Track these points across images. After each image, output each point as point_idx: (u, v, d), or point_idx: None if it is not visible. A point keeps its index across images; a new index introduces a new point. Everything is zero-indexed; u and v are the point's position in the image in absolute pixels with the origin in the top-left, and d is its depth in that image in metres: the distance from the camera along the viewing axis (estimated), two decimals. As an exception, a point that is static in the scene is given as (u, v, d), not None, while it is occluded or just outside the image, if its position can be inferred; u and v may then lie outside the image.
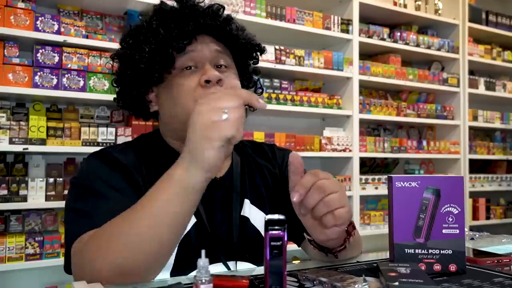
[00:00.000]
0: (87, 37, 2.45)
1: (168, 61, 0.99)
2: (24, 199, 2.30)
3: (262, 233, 1.01)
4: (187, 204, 0.79)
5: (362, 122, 3.46)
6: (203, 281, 0.62)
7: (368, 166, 3.82)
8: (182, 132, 0.99)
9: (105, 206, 0.88)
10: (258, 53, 1.13)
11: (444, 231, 0.85)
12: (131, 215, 0.80)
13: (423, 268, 0.83)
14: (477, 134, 4.40)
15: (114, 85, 1.09)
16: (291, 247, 1.14)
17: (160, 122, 1.09)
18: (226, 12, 1.07)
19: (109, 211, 0.87)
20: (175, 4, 1.03)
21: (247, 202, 1.04)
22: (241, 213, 1.03)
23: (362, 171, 3.60)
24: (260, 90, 1.18)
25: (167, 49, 0.97)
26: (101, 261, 0.77)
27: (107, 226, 0.81)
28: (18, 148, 2.27)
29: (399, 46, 3.59)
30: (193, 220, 0.97)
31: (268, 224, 0.67)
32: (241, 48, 1.08)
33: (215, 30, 1.03)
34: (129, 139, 2.46)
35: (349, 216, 0.81)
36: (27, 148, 2.28)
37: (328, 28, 3.22)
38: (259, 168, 1.12)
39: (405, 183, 0.85)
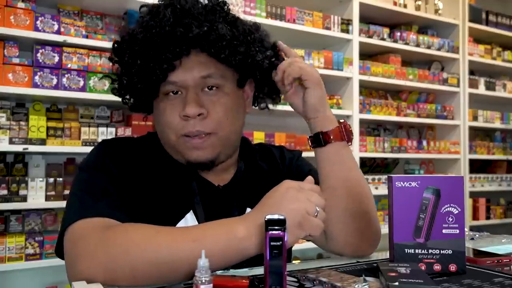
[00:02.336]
0: (87, 37, 2.45)
1: (152, 90, 0.95)
2: (24, 199, 2.30)
3: None
4: (228, 261, 0.79)
5: (362, 122, 3.46)
6: (203, 281, 0.62)
7: (368, 166, 3.82)
8: (169, 152, 1.01)
9: (105, 195, 0.88)
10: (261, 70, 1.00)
11: (444, 231, 0.85)
12: (173, 237, 0.79)
13: (423, 268, 0.83)
14: (477, 134, 4.40)
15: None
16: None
17: None
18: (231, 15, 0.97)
19: (109, 200, 0.87)
20: (168, 12, 0.91)
21: (248, 211, 1.03)
22: None
23: (362, 171, 3.59)
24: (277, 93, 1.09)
25: (148, 80, 0.93)
26: (112, 262, 0.77)
27: (136, 233, 0.80)
28: (18, 148, 2.27)
29: (399, 46, 3.59)
30: None
31: (268, 224, 0.67)
32: (238, 64, 0.95)
33: (205, 49, 0.92)
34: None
35: (313, 75, 0.98)
36: (27, 148, 2.28)
37: (328, 28, 3.22)
38: (265, 175, 1.09)
39: (405, 183, 0.85)
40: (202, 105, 0.93)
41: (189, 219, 0.96)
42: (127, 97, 1.03)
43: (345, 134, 0.99)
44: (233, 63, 0.94)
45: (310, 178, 0.85)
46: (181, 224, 0.95)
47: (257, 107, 1.11)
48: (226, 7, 0.97)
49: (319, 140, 1.00)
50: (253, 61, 0.96)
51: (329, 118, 1.00)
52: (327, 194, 0.91)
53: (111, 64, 1.02)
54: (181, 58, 0.92)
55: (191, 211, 0.97)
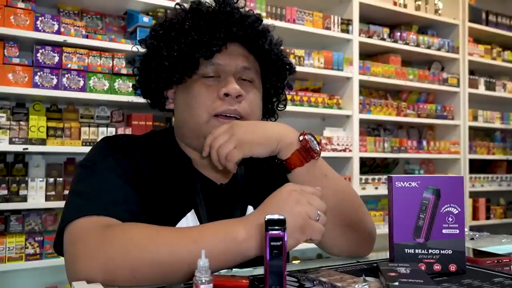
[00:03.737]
0: (87, 37, 2.46)
1: (192, 66, 0.97)
2: (24, 199, 2.30)
3: None
4: (228, 263, 0.79)
5: (362, 122, 3.46)
6: (203, 281, 0.62)
7: (368, 166, 3.82)
8: (190, 140, 1.01)
9: (107, 193, 0.88)
10: (287, 73, 1.09)
11: (444, 231, 0.85)
12: (173, 237, 0.79)
13: (423, 268, 0.83)
14: (477, 134, 4.40)
15: (135, 72, 1.07)
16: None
17: (174, 120, 1.08)
18: (264, 23, 1.03)
19: (110, 198, 0.87)
20: (212, 4, 1.00)
21: (250, 208, 1.03)
22: None
23: (362, 171, 3.60)
24: (284, 103, 1.15)
25: (194, 54, 0.95)
26: (111, 262, 0.76)
27: (136, 233, 0.79)
28: (18, 148, 2.27)
29: (399, 46, 3.59)
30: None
31: (268, 224, 0.67)
32: (270, 64, 1.04)
33: (247, 41, 1.00)
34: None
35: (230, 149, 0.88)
36: (27, 148, 2.28)
37: (328, 28, 3.22)
38: (265, 173, 1.10)
39: (405, 183, 0.85)
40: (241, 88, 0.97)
41: (190, 218, 0.96)
42: (151, 78, 1.02)
43: (305, 156, 0.92)
44: (270, 59, 1.02)
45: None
46: (182, 223, 0.95)
47: None
48: (261, 19, 1.05)
49: (284, 169, 0.93)
50: (283, 64, 1.04)
51: (285, 144, 0.91)
52: None
53: (138, 46, 1.04)
54: (227, 44, 0.97)
55: (193, 209, 0.97)
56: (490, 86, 4.17)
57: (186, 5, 1.02)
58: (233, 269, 0.88)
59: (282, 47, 1.08)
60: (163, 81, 1.01)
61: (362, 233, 1.01)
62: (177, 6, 1.03)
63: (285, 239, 0.67)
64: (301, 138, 0.93)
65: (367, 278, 0.77)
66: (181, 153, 1.03)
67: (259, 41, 0.99)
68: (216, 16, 0.97)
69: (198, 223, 0.96)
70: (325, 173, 0.97)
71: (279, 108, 1.15)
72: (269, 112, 1.13)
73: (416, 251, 0.85)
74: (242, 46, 1.00)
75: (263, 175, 1.09)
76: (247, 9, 1.03)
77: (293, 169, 0.93)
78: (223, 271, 0.82)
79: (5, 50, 2.29)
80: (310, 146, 0.92)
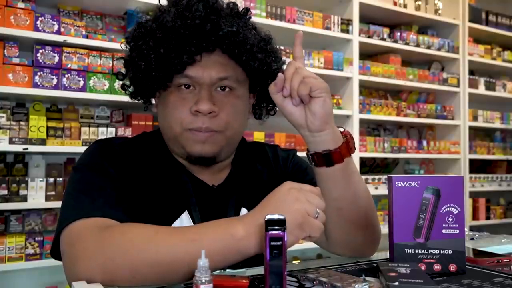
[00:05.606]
0: (87, 37, 2.46)
1: (164, 81, 0.95)
2: (24, 199, 2.30)
3: None
4: (227, 261, 0.78)
5: (362, 122, 3.46)
6: (203, 281, 0.62)
7: (368, 166, 3.82)
8: (171, 147, 1.01)
9: (101, 194, 0.88)
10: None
11: (444, 231, 0.85)
12: (171, 237, 0.78)
13: (423, 268, 0.83)
14: (477, 134, 4.40)
15: (119, 75, 1.07)
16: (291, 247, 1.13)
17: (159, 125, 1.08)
18: (247, 24, 0.97)
19: (105, 200, 0.87)
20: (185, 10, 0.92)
21: (244, 210, 1.03)
22: None
23: (362, 171, 3.60)
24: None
25: (163, 69, 0.93)
26: (110, 262, 0.76)
27: (135, 233, 0.79)
28: (18, 148, 2.27)
29: (399, 46, 3.59)
30: None
31: (268, 224, 0.67)
32: (253, 71, 0.98)
33: (224, 49, 0.94)
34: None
35: (321, 85, 0.87)
36: (27, 148, 2.28)
37: (328, 28, 3.22)
38: (259, 175, 1.10)
39: (405, 183, 0.85)
40: (214, 103, 0.94)
41: (184, 219, 0.96)
42: (132, 84, 1.03)
43: (350, 147, 0.92)
44: (251, 67, 0.96)
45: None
46: (176, 224, 0.95)
47: (254, 117, 1.12)
48: (248, 15, 1.00)
49: (328, 160, 0.91)
50: (268, 69, 0.98)
51: (335, 132, 0.91)
52: (333, 208, 0.91)
53: (124, 47, 1.03)
54: (202, 54, 0.93)
55: (186, 211, 0.97)
56: (490, 86, 4.17)
57: (163, 3, 0.99)
58: (228, 270, 0.88)
59: (275, 47, 1.03)
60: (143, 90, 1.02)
61: (373, 234, 1.01)
62: (163, 3, 0.99)
63: (285, 239, 0.67)
64: (341, 129, 0.94)
65: (367, 278, 0.77)
66: (172, 155, 1.03)
67: (235, 51, 0.94)
68: (185, 30, 0.90)
69: (193, 225, 0.96)
70: (356, 169, 0.98)
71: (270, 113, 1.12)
72: (262, 112, 1.11)
73: (416, 251, 0.85)
74: (221, 52, 0.95)
75: (256, 178, 1.09)
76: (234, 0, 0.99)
77: (341, 161, 0.91)
78: (216, 272, 0.82)
79: (5, 50, 2.29)
80: (352, 138, 0.94)
